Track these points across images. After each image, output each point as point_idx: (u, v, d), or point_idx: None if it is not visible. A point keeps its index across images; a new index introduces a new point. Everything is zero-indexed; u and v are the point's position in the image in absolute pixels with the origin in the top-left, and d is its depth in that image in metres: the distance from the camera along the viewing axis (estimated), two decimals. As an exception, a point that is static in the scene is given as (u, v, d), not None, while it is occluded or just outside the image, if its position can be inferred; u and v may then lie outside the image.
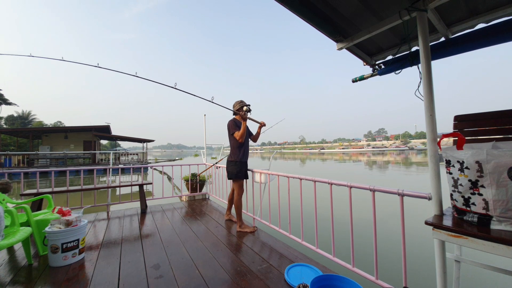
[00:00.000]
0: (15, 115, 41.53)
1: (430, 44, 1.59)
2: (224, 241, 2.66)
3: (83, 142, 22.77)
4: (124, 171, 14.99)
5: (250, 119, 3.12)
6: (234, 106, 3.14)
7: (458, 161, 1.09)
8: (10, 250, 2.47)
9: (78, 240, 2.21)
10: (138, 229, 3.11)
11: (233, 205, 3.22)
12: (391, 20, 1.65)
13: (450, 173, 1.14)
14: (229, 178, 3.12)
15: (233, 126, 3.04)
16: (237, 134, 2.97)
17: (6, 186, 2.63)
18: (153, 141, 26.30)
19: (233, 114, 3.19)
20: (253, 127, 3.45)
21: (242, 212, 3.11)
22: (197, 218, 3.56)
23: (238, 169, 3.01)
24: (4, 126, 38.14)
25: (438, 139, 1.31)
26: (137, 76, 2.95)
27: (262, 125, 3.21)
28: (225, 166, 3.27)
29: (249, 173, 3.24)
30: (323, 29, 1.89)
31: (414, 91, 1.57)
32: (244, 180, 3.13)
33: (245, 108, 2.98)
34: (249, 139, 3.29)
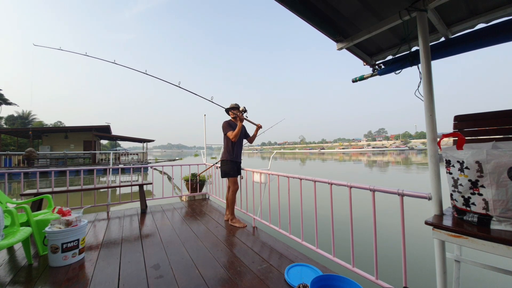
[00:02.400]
0: (15, 115, 41.55)
1: (430, 44, 1.58)
2: (224, 241, 2.66)
3: (83, 142, 22.76)
4: (124, 171, 14.97)
5: (247, 120, 3.18)
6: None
7: (458, 161, 1.09)
8: (10, 250, 2.47)
9: (78, 240, 2.21)
10: (138, 229, 3.11)
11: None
12: (391, 20, 1.65)
13: (450, 173, 1.14)
14: (222, 177, 3.26)
15: (227, 126, 3.17)
16: (231, 134, 3.08)
17: (30, 154, 2.73)
18: (153, 141, 26.31)
19: (228, 114, 3.33)
20: (250, 129, 3.55)
21: (235, 208, 3.29)
22: (197, 218, 3.56)
23: (230, 168, 3.14)
24: (4, 126, 38.14)
25: (438, 139, 1.30)
26: (146, 74, 3.07)
27: (259, 127, 3.31)
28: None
29: (248, 173, 3.37)
30: (323, 29, 1.89)
31: (414, 91, 1.57)
32: (238, 176, 3.27)
33: (241, 108, 3.05)
34: (245, 140, 3.40)
